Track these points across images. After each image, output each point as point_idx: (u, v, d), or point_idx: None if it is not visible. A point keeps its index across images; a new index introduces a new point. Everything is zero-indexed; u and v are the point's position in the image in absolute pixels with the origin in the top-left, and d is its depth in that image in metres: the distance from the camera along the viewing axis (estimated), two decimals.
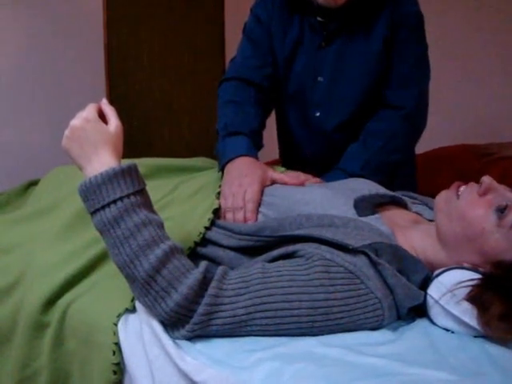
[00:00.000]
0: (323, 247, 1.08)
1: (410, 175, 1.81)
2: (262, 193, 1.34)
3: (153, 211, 1.10)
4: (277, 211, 1.28)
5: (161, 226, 1.08)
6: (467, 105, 2.99)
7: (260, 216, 1.30)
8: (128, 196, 1.06)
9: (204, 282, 1.04)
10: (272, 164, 1.71)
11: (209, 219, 1.27)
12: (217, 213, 1.32)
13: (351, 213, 1.22)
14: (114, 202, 1.05)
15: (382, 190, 1.34)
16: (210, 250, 1.24)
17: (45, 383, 1.19)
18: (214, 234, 1.25)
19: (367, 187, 1.34)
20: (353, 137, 1.65)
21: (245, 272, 1.07)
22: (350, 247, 1.07)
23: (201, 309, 1.02)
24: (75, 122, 1.10)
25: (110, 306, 1.15)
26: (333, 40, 1.60)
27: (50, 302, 1.20)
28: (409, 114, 1.61)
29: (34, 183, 1.69)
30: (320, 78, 1.64)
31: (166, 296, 1.03)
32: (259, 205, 1.31)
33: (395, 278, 1.07)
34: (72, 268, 1.24)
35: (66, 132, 1.11)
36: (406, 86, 1.61)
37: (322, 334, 1.04)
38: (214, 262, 1.22)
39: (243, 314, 1.03)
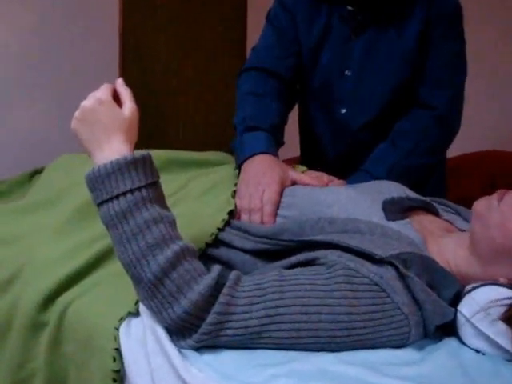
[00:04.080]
0: (347, 255, 1.00)
1: (438, 181, 1.71)
2: (281, 194, 1.26)
3: (165, 207, 1.02)
4: (297, 213, 1.20)
5: (173, 224, 1.00)
6: (501, 109, 2.87)
7: (278, 219, 1.22)
8: (139, 189, 0.98)
9: (216, 289, 0.96)
10: (291, 162, 1.64)
11: (223, 220, 1.19)
12: (232, 213, 1.24)
13: (378, 216, 1.13)
14: (124, 194, 0.97)
15: (411, 194, 1.25)
16: (222, 252, 1.16)
17: None
18: (228, 235, 1.17)
19: (395, 190, 1.25)
20: (380, 137, 1.56)
21: (260, 279, 0.99)
22: (377, 257, 0.98)
23: (210, 318, 0.94)
24: (87, 102, 1.03)
25: (112, 309, 1.08)
26: (363, 31, 1.51)
27: (49, 300, 1.14)
28: (442, 115, 1.52)
29: (39, 171, 1.64)
30: (347, 72, 1.55)
31: (174, 302, 0.95)
32: (278, 207, 1.23)
33: (424, 293, 0.97)
34: (73, 265, 1.17)
35: (76, 113, 1.03)
36: (440, 85, 1.52)
37: (342, 350, 0.96)
38: (226, 265, 1.14)
39: (256, 326, 0.95)
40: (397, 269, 0.98)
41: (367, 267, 0.97)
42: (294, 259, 1.04)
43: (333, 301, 0.95)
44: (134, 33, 2.84)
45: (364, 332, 0.95)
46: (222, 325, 0.94)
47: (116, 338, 1.03)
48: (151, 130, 2.92)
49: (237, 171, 1.38)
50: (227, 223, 1.20)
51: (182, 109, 3.15)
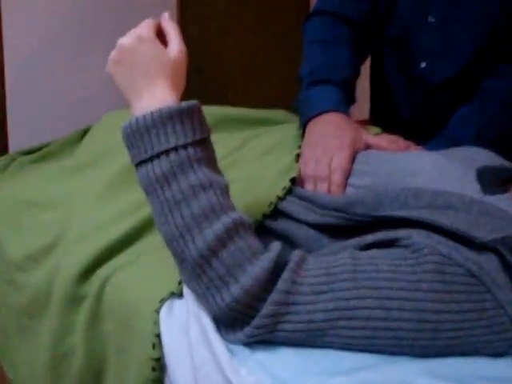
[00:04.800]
0: (437, 237, 0.81)
1: None
2: (352, 160, 1.09)
3: (216, 170, 0.87)
4: (371, 183, 1.03)
5: (225, 191, 0.85)
6: None
7: (349, 189, 1.05)
8: (185, 146, 0.82)
9: (274, 273, 0.80)
10: (361, 124, 1.46)
11: (284, 188, 1.03)
12: (294, 180, 1.08)
13: (473, 188, 0.95)
14: (166, 152, 0.82)
15: (506, 163, 1.05)
16: (281, 225, 1.00)
17: (78, 366, 1.05)
18: (289, 205, 1.01)
19: (488, 158, 1.05)
20: (463, 97, 1.36)
21: (328, 262, 0.82)
22: (476, 241, 0.79)
23: (267, 308, 0.78)
24: (125, 40, 0.87)
25: (153, 287, 0.95)
26: None
27: (88, 272, 1.05)
28: None
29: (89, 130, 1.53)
30: (430, 18, 1.35)
31: (223, 287, 0.79)
32: (348, 175, 1.07)
33: None
34: (115, 233, 1.07)
35: (113, 53, 0.88)
36: None
37: (426, 356, 0.79)
38: (287, 240, 0.98)
39: (322, 321, 0.78)
40: (501, 257, 0.79)
41: (463, 253, 0.79)
42: (369, 238, 0.86)
43: (418, 294, 0.77)
44: None
45: (456, 335, 0.77)
46: (280, 317, 0.78)
47: (156, 323, 0.91)
48: (209, 87, 2.81)
49: (301, 131, 1.22)
50: (289, 191, 1.04)
51: (242, 68, 3.01)
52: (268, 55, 3.08)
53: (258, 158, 1.17)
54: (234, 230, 0.81)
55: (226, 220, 0.81)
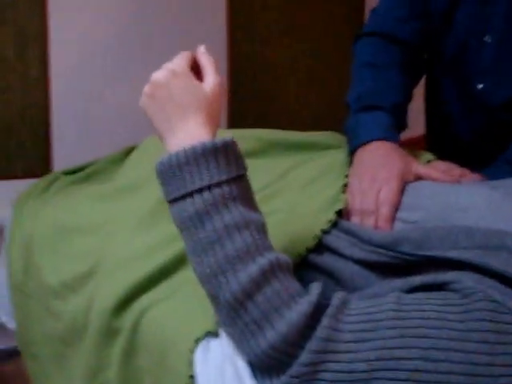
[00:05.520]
0: (489, 281, 0.75)
1: None
2: (401, 192, 1.03)
3: (252, 208, 0.83)
4: (421, 217, 0.97)
5: (261, 229, 0.81)
6: None
7: (398, 223, 0.99)
8: (219, 184, 0.79)
9: (314, 318, 0.74)
10: (413, 142, 1.40)
11: (329, 221, 0.99)
12: (340, 213, 1.03)
13: None
14: (200, 191, 0.79)
15: None
16: (326, 260, 0.95)
17: None
18: (334, 239, 0.96)
19: None
20: None
21: (372, 306, 0.76)
22: None
23: (305, 356, 0.73)
24: (159, 75, 0.85)
25: (189, 325, 0.92)
26: None
27: (124, 304, 1.02)
28: None
29: (132, 150, 1.49)
30: (487, 38, 1.28)
31: (258, 332, 0.75)
32: (397, 208, 1.01)
33: None
34: (152, 265, 1.04)
35: (146, 88, 0.86)
36: None
37: None
38: (331, 276, 0.94)
39: (364, 371, 0.72)
40: None
41: None
42: (417, 280, 0.81)
43: (469, 345, 0.70)
44: (242, 4, 2.70)
45: None
46: (319, 366, 0.73)
47: (191, 364, 0.87)
48: (258, 107, 2.79)
49: (349, 159, 1.17)
50: (334, 224, 0.99)
51: (292, 83, 2.98)
52: (321, 73, 3.04)
53: (302, 187, 1.12)
54: (270, 272, 0.76)
55: (261, 262, 0.77)
